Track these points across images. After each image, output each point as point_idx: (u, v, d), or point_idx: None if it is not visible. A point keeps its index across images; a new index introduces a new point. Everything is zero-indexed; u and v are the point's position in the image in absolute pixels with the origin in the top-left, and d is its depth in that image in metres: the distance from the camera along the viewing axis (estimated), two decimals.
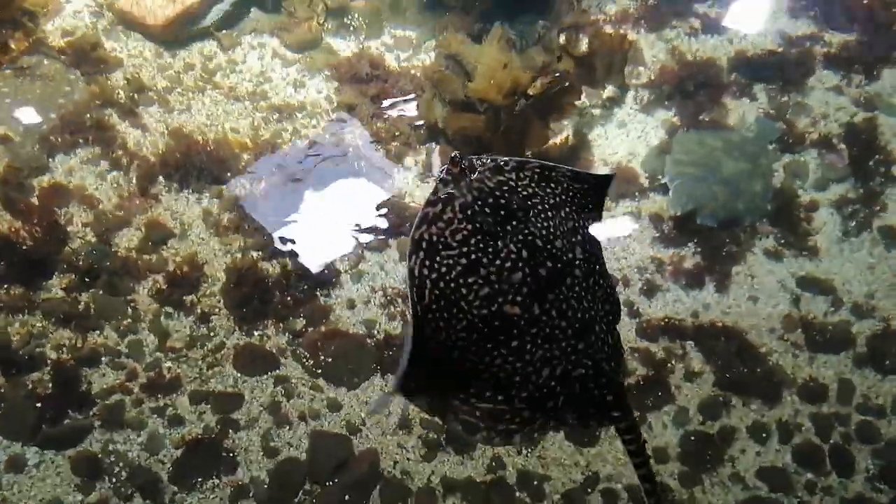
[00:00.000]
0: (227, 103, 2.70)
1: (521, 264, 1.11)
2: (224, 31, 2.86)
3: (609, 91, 2.89)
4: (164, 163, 2.43)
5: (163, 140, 2.51)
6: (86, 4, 2.76)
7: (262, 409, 2.11)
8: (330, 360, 2.18)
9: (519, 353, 1.11)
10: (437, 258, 1.09)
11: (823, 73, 2.84)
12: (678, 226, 2.51)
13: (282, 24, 2.94)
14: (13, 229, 2.20)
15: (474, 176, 1.15)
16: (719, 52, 2.92)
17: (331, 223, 2.49)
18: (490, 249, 1.10)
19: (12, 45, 2.51)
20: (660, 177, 2.60)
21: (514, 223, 1.13)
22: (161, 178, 2.45)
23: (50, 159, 2.42)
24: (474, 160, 1.16)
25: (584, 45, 2.89)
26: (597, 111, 2.88)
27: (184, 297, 2.25)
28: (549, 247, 1.14)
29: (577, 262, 1.17)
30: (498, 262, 1.10)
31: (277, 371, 2.18)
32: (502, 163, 1.18)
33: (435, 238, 1.10)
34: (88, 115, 2.46)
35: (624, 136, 2.78)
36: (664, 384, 2.26)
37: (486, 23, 3.01)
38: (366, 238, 2.45)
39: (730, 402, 2.24)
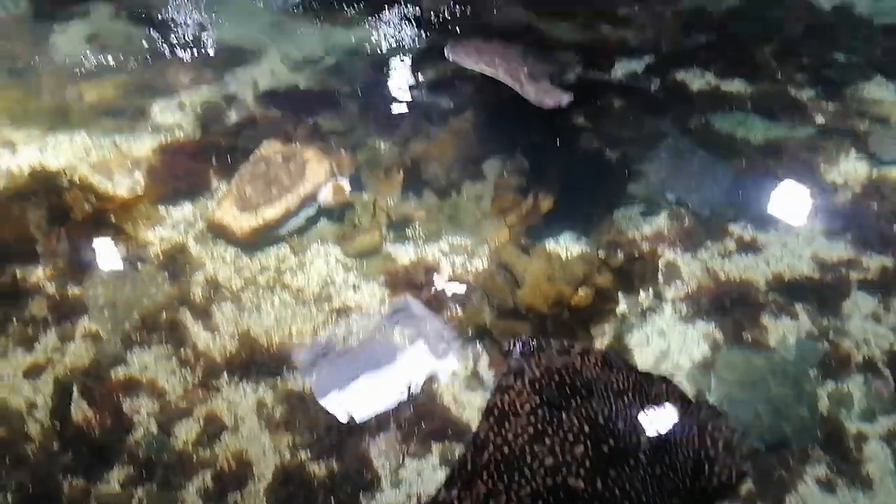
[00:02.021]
0: (294, 305, 2.96)
1: (583, 437, 1.17)
2: (295, 237, 3.21)
3: (647, 301, 3.03)
4: (228, 362, 2.64)
5: (231, 342, 2.74)
6: (184, 216, 3.17)
7: None
8: None
9: None
10: (507, 424, 1.18)
11: (860, 297, 2.93)
12: None
13: (346, 233, 3.28)
14: (86, 419, 2.37)
15: (543, 355, 1.24)
16: (755, 273, 3.07)
17: (376, 424, 2.57)
18: (555, 421, 1.19)
19: (112, 250, 2.88)
20: (707, 395, 2.62)
21: (578, 399, 1.21)
22: (224, 373, 2.64)
23: (128, 352, 2.66)
24: (543, 342, 1.25)
25: (620, 257, 3.12)
26: (635, 319, 3.00)
27: (228, 495, 2.31)
28: (610, 425, 1.21)
29: (642, 447, 1.21)
30: (562, 433, 1.18)
31: None
32: (568, 346, 1.28)
33: (506, 406, 1.20)
34: (164, 316, 2.73)
35: (665, 347, 2.86)
36: None
37: (534, 239, 3.30)
38: (407, 442, 2.51)
39: None
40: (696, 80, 4.42)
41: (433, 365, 2.77)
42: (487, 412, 1.21)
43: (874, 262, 3.04)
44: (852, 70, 4.65)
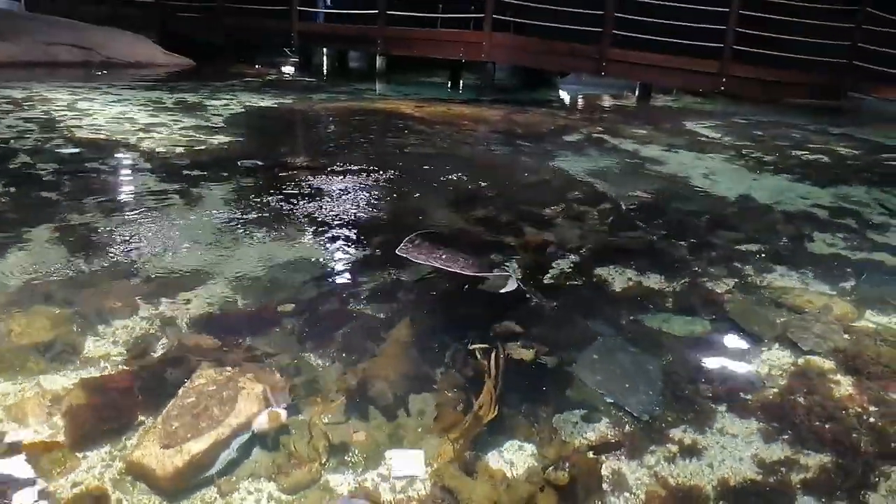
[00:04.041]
0: None
1: None
2: (224, 477, 3.01)
3: None
4: None
5: None
6: (101, 459, 2.97)
7: None
8: None
9: None
10: None
11: (805, 499, 2.91)
12: None
13: (281, 466, 3.12)
14: None
15: None
16: (701, 479, 3.04)
17: None
18: None
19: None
20: None
21: None
22: None
23: None
24: None
25: (564, 472, 3.05)
26: None
27: None
28: None
29: None
30: None
31: None
32: None
33: None
34: None
35: None
36: None
37: (478, 451, 3.22)
38: None
39: None
40: (620, 278, 4.68)
41: None
42: None
43: (812, 461, 3.07)
44: (760, 260, 5.05)
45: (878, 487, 2.94)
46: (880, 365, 3.74)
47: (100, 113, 9.97)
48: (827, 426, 3.26)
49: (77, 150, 7.61)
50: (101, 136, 8.38)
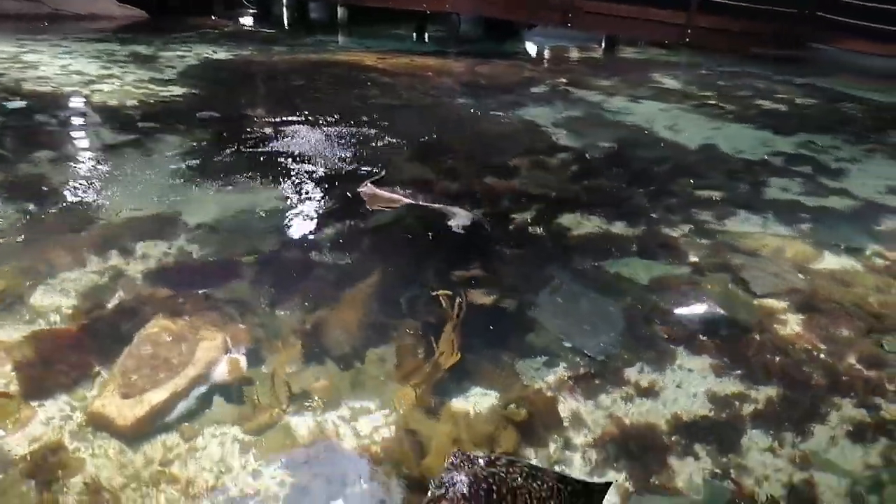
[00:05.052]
0: (182, 501, 2.70)
1: None
2: (186, 424, 3.00)
3: (556, 453, 2.99)
4: None
5: None
6: (59, 410, 2.93)
7: None
8: None
9: None
10: None
11: (754, 432, 3.01)
12: None
13: (243, 413, 3.11)
14: None
15: (470, 467, 1.46)
16: (656, 416, 3.13)
17: None
18: None
19: None
20: None
21: None
22: None
23: None
24: (471, 455, 1.37)
25: (524, 411, 3.12)
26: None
27: None
28: None
29: None
30: None
31: None
32: (495, 458, 1.42)
33: None
34: None
35: None
36: None
37: (442, 396, 3.25)
38: None
39: None
40: (583, 225, 4.71)
41: None
42: None
43: (761, 395, 3.17)
44: (720, 206, 5.11)
45: (827, 418, 3.06)
46: (832, 302, 3.85)
47: (48, 65, 9.52)
48: (778, 360, 3.37)
49: (24, 104, 7.28)
50: (49, 89, 8.02)
